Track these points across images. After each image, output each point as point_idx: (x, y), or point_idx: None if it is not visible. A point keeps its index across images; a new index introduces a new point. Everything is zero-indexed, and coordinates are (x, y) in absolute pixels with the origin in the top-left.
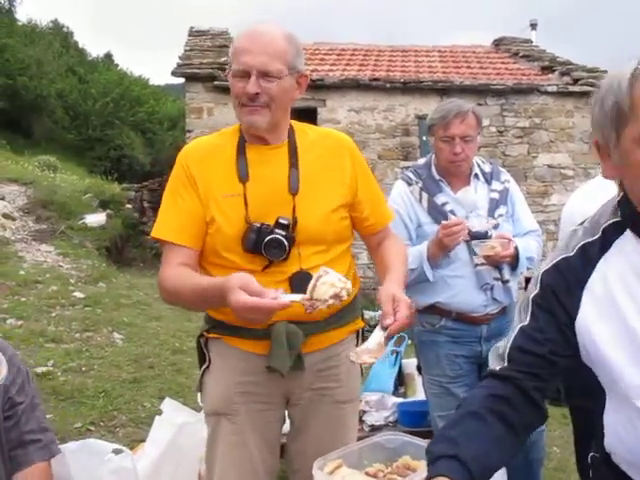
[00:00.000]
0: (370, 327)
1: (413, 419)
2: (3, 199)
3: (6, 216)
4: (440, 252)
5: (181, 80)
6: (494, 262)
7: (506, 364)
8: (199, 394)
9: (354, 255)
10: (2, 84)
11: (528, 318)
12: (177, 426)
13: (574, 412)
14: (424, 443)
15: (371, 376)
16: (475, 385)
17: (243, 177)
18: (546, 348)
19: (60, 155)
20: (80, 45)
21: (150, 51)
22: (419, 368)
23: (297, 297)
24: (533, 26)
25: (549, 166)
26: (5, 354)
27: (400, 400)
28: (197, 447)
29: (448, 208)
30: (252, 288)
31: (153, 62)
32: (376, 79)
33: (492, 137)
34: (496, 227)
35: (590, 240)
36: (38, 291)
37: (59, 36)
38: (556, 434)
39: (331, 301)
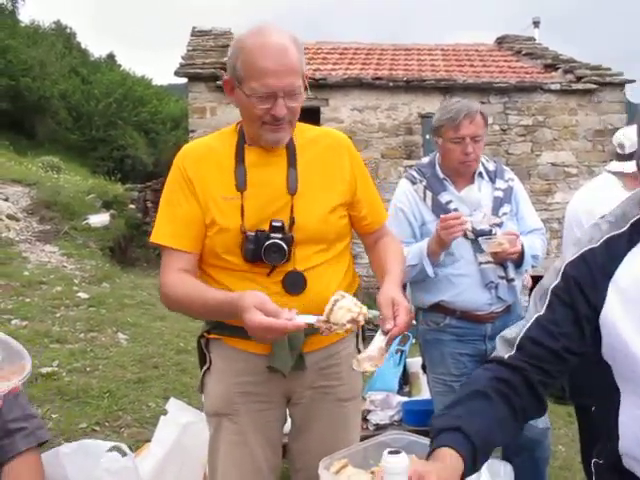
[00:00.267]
0: (374, 326)
1: (418, 418)
2: (7, 200)
3: (10, 217)
4: (439, 247)
5: (184, 80)
6: (501, 259)
7: (515, 352)
8: (202, 395)
9: (357, 254)
10: (5, 85)
11: (544, 309)
12: (182, 426)
13: (579, 411)
14: (429, 442)
15: (376, 375)
16: None
17: (241, 186)
18: (560, 344)
19: (63, 156)
20: (83, 46)
21: (152, 51)
22: (424, 367)
23: (312, 319)
24: (536, 24)
25: (553, 164)
26: None
27: (405, 399)
28: (202, 447)
29: (452, 206)
30: (268, 308)
31: (156, 62)
32: (379, 78)
33: (495, 135)
34: (500, 225)
35: (617, 233)
36: (42, 292)
37: (62, 37)
38: (561, 433)
39: (349, 325)
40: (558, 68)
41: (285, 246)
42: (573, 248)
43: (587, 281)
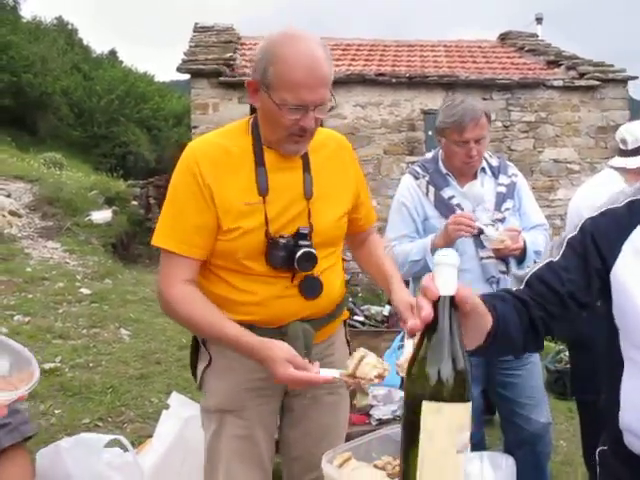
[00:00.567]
0: (376, 322)
1: None
2: (9, 196)
3: (12, 213)
4: (443, 243)
5: (186, 76)
6: (503, 255)
7: (523, 287)
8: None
9: None
10: (7, 81)
11: (558, 256)
12: (184, 420)
13: (581, 406)
14: None
15: None
16: (479, 379)
17: (263, 190)
18: (565, 288)
19: (65, 152)
20: (84, 42)
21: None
22: None
23: (336, 372)
24: (539, 20)
25: (555, 161)
26: None
27: None
28: (204, 441)
29: (455, 202)
30: (298, 362)
31: (157, 59)
32: (382, 74)
33: (498, 132)
34: (502, 221)
35: None
36: (45, 288)
37: (63, 33)
38: (562, 428)
39: (376, 380)
40: (561, 65)
41: (316, 254)
42: (597, 209)
43: (603, 236)
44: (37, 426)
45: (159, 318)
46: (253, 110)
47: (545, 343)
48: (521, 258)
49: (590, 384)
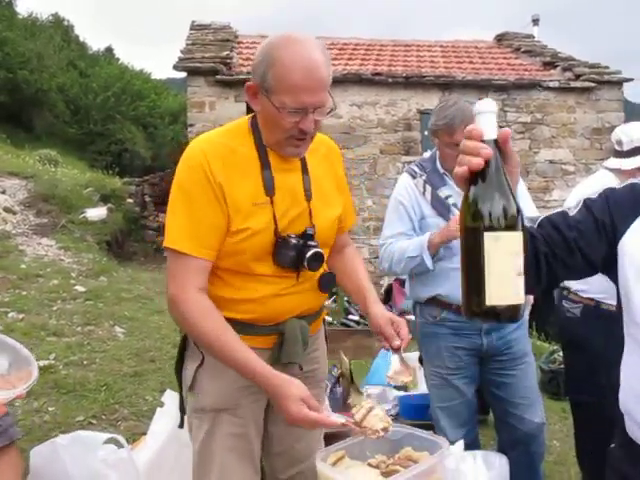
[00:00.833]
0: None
1: (414, 412)
2: (4, 193)
3: (7, 210)
4: (440, 239)
5: (183, 74)
6: None
7: (534, 225)
8: (188, 392)
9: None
10: (2, 78)
11: (574, 212)
12: (179, 418)
13: (575, 407)
14: (426, 435)
15: (372, 370)
16: (476, 378)
17: (270, 190)
18: (574, 234)
19: (61, 149)
20: (81, 39)
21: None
22: (421, 360)
23: (342, 419)
24: (535, 22)
25: (550, 162)
26: None
27: (401, 393)
28: (193, 441)
29: (451, 201)
30: (312, 403)
31: (154, 57)
32: (378, 74)
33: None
34: None
35: None
36: (39, 285)
37: (60, 30)
38: (556, 428)
39: (381, 433)
40: (557, 66)
41: (324, 254)
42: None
43: (619, 206)
44: (30, 424)
45: (154, 316)
46: (250, 109)
47: (539, 343)
48: None
49: (584, 384)
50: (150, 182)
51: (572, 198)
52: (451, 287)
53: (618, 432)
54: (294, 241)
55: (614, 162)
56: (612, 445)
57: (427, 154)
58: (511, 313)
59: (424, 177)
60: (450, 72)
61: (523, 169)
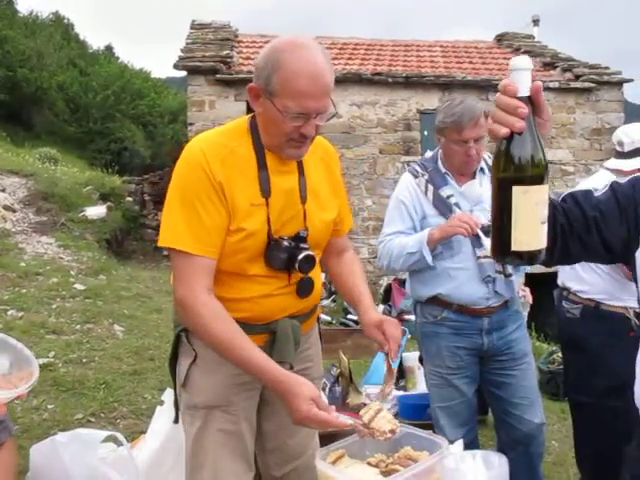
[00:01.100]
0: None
1: (413, 412)
2: (4, 191)
3: (7, 208)
4: (440, 235)
5: (183, 73)
6: None
7: (557, 199)
8: (181, 388)
9: (356, 249)
10: (2, 76)
11: (599, 193)
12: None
13: (574, 408)
14: (425, 434)
15: (371, 369)
16: (476, 377)
17: (266, 192)
18: (594, 214)
19: (61, 147)
20: (81, 37)
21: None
22: (421, 359)
23: (350, 420)
24: (535, 22)
25: (550, 162)
26: None
27: (400, 393)
28: (186, 438)
29: (453, 201)
30: (321, 403)
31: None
32: (378, 73)
33: None
34: None
35: None
36: (39, 283)
37: (60, 28)
38: (555, 428)
39: (389, 435)
40: (557, 66)
41: (315, 257)
42: None
43: None
44: (29, 421)
45: (153, 314)
46: (250, 108)
47: (538, 344)
48: None
49: (584, 385)
50: (150, 181)
51: None
52: (452, 286)
53: (638, 432)
54: (286, 243)
55: (615, 163)
56: (630, 446)
57: (429, 154)
58: (533, 256)
59: (426, 176)
60: (450, 72)
61: None
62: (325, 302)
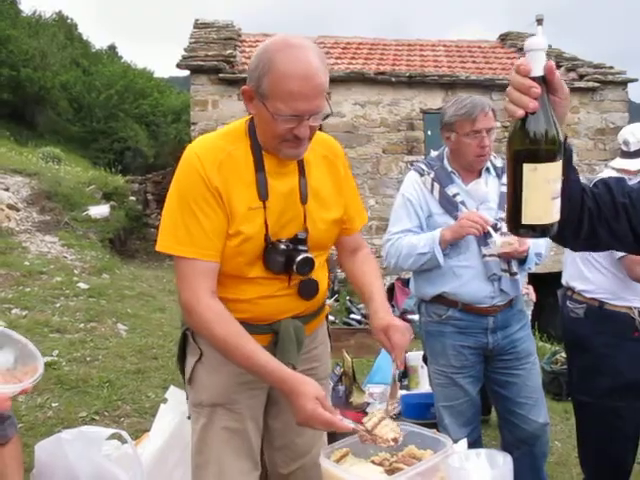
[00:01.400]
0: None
1: (417, 411)
2: (7, 190)
3: (10, 207)
4: (452, 236)
5: (185, 73)
6: (510, 257)
7: (589, 184)
8: (187, 385)
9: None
10: (6, 75)
11: (633, 181)
12: (182, 414)
13: (577, 406)
14: (429, 433)
15: (375, 369)
16: (481, 377)
17: (263, 195)
18: (625, 200)
19: (64, 147)
20: (84, 37)
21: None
22: (425, 358)
23: (352, 424)
24: (539, 21)
25: None
26: None
27: (404, 392)
28: (192, 434)
29: (459, 199)
30: (326, 404)
31: (157, 55)
32: (381, 73)
33: (497, 133)
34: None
35: None
36: (42, 282)
37: (63, 28)
38: (558, 429)
39: (392, 443)
40: (561, 66)
41: (314, 259)
42: None
43: None
44: (33, 419)
45: (156, 313)
46: None
47: (541, 344)
48: (523, 259)
49: (587, 385)
50: (153, 180)
51: None
52: (457, 285)
53: None
54: (283, 246)
55: (621, 162)
56: None
57: (434, 153)
58: (544, 229)
59: (432, 175)
60: (453, 72)
61: None
62: (328, 302)
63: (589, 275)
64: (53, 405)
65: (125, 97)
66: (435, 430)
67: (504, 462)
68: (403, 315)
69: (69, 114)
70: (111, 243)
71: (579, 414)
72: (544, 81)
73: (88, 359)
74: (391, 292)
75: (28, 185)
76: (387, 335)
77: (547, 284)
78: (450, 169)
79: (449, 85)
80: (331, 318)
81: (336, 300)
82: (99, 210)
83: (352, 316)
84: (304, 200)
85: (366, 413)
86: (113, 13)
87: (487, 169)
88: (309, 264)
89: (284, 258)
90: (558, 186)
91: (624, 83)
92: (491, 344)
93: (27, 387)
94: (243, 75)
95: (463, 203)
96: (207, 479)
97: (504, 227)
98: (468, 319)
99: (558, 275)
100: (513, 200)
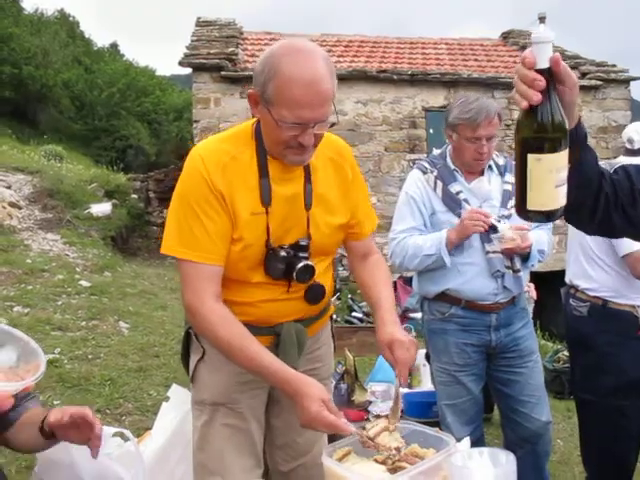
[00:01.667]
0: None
1: (419, 410)
2: (9, 188)
3: (12, 205)
4: (457, 237)
5: (187, 71)
6: (513, 253)
7: (610, 170)
8: (190, 383)
9: None
10: (8, 73)
11: None
12: (184, 412)
13: (580, 405)
14: (432, 431)
15: (377, 367)
16: (483, 375)
17: (266, 201)
18: None
19: (66, 145)
20: (86, 35)
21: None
22: (428, 356)
23: (354, 429)
24: (542, 19)
25: None
26: None
27: (406, 391)
28: (193, 431)
29: (462, 197)
30: (332, 406)
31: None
32: (383, 71)
33: (499, 131)
34: (508, 217)
35: None
36: (44, 279)
37: (65, 26)
38: (560, 427)
39: (394, 452)
40: None
41: (315, 267)
42: None
43: None
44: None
45: (158, 311)
46: None
47: (543, 342)
48: (526, 256)
49: (590, 383)
50: (154, 178)
51: None
52: (461, 281)
53: None
54: (284, 253)
55: (625, 160)
56: None
57: (437, 151)
58: (550, 214)
59: (435, 173)
60: (456, 70)
61: None
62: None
63: (593, 273)
64: (55, 403)
65: (127, 95)
66: (438, 429)
67: (507, 461)
68: (405, 314)
69: (71, 112)
70: (113, 241)
71: (582, 413)
72: (550, 73)
73: (90, 357)
74: (393, 290)
75: (30, 183)
76: (391, 350)
77: (549, 282)
78: (453, 167)
79: (451, 83)
80: (333, 316)
81: (338, 298)
82: (101, 208)
83: (354, 314)
84: (308, 206)
85: (368, 412)
86: (115, 11)
87: (490, 167)
88: (309, 272)
89: (284, 265)
90: (563, 174)
91: (627, 81)
92: (494, 342)
93: (29, 385)
94: (245, 73)
95: (466, 201)
96: (209, 477)
97: (507, 223)
98: (471, 316)
99: (560, 274)
100: (520, 185)
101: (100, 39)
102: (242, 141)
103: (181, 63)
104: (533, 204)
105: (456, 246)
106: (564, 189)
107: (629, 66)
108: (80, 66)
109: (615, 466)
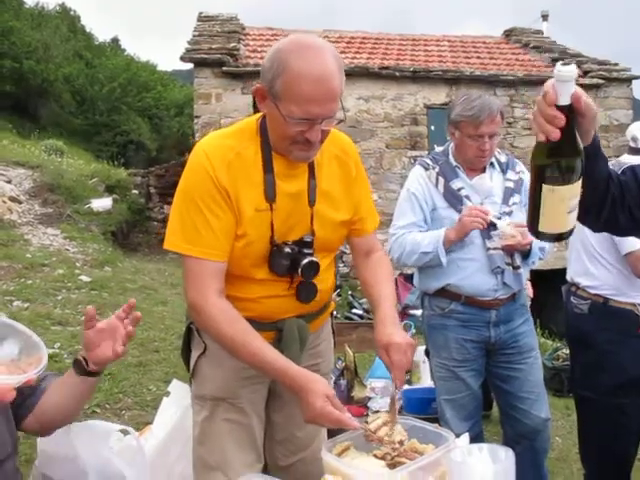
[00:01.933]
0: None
1: (418, 406)
2: (10, 182)
3: (13, 199)
4: (456, 235)
5: (189, 66)
6: (513, 250)
7: (618, 171)
8: (191, 378)
9: None
10: (9, 68)
11: None
12: (184, 407)
13: (579, 402)
14: (431, 427)
15: (377, 363)
16: (482, 370)
17: (270, 197)
18: None
19: (67, 140)
20: (87, 29)
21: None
22: (427, 352)
23: (358, 424)
24: (544, 17)
25: None
26: None
27: (405, 387)
28: (194, 426)
29: (463, 193)
30: (336, 402)
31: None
32: (385, 68)
33: (501, 128)
34: (509, 214)
35: None
36: (44, 274)
37: (66, 20)
38: (559, 424)
39: (397, 445)
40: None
41: (319, 263)
42: None
43: None
44: None
45: (158, 307)
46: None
47: (542, 340)
48: (526, 253)
49: (590, 381)
50: (155, 173)
51: None
52: (462, 277)
53: None
54: (288, 249)
55: (628, 159)
56: None
57: (439, 148)
58: (560, 236)
59: (437, 169)
60: (458, 67)
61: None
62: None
63: (594, 271)
64: None
65: (128, 90)
66: (437, 425)
67: (506, 457)
68: (405, 310)
69: (72, 107)
70: (113, 236)
71: (582, 410)
72: (571, 109)
73: None
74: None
75: (30, 177)
76: (388, 353)
77: (549, 281)
78: (455, 164)
79: (453, 80)
80: (333, 312)
81: (338, 295)
82: (101, 203)
83: (354, 310)
84: (312, 202)
85: (367, 407)
86: (116, 6)
87: (492, 164)
88: (314, 268)
89: (289, 261)
90: (575, 201)
91: (629, 80)
92: (493, 338)
93: (31, 378)
94: (247, 68)
95: (468, 197)
96: (210, 471)
97: (508, 220)
98: (471, 312)
99: (560, 272)
100: (533, 207)
101: (101, 34)
102: (247, 137)
103: (182, 58)
104: (544, 227)
105: (457, 242)
106: (575, 213)
107: (631, 65)
108: (81, 61)
109: (614, 464)
